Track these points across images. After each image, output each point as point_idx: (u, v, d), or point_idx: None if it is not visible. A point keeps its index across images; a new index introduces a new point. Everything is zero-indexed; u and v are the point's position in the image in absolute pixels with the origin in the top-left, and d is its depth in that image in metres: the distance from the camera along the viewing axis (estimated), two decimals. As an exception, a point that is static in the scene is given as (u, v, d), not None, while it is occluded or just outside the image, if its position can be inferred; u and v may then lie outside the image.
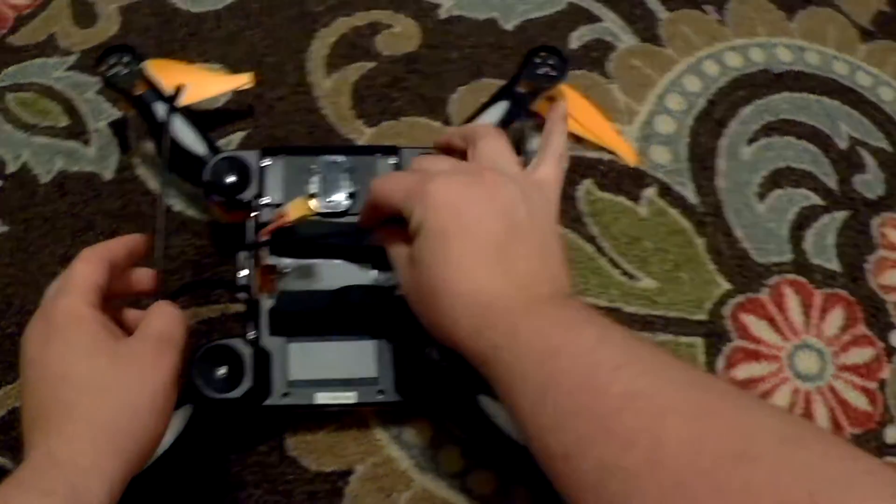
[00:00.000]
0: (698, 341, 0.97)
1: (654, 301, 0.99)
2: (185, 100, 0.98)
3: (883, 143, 1.15)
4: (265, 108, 1.09)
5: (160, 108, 0.93)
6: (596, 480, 0.52)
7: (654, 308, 0.99)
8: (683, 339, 0.97)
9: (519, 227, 0.68)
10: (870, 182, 1.11)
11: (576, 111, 1.05)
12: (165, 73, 0.99)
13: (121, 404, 0.60)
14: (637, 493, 0.50)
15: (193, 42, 1.15)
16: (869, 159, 1.13)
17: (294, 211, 0.79)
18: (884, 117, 1.18)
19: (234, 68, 1.12)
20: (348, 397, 0.84)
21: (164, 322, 0.68)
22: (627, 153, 1.07)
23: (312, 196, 0.88)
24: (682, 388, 0.54)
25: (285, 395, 0.83)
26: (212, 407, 0.80)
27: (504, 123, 0.97)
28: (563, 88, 1.03)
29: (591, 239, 1.02)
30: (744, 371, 0.96)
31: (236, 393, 0.78)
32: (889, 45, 1.27)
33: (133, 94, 0.95)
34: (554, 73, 0.99)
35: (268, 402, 0.83)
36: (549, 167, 0.78)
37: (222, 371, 0.80)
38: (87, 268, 0.68)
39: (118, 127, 1.06)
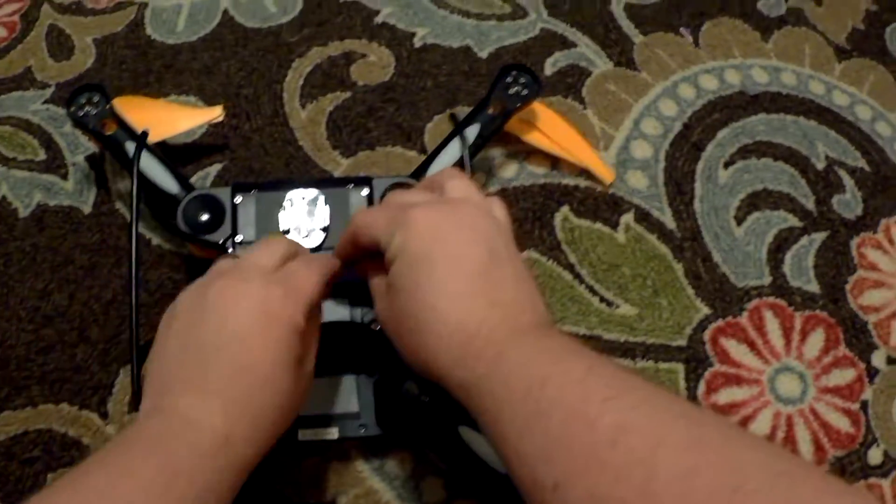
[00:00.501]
0: (678, 367, 0.97)
1: (633, 328, 0.99)
2: (155, 136, 0.98)
3: (860, 163, 1.15)
4: (241, 140, 1.09)
5: (130, 148, 0.93)
6: None
7: (634, 335, 0.98)
8: (663, 365, 0.97)
9: (499, 255, 0.67)
10: (848, 202, 1.11)
11: (550, 129, 1.06)
12: (135, 111, 0.99)
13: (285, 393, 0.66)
14: None
15: (169, 74, 1.15)
16: (847, 179, 1.13)
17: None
18: (861, 136, 1.18)
19: (210, 100, 1.12)
20: (331, 433, 0.83)
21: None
22: (603, 171, 1.07)
23: (286, 233, 0.88)
24: (675, 420, 0.52)
25: None
26: None
27: (476, 147, 0.97)
28: (537, 106, 1.04)
29: (569, 266, 1.02)
30: (725, 396, 0.96)
31: None
32: (865, 62, 1.27)
33: (103, 133, 0.96)
34: (525, 93, 0.99)
35: None
36: (499, 205, 0.77)
37: None
38: (318, 286, 0.71)
39: (96, 161, 1.06)
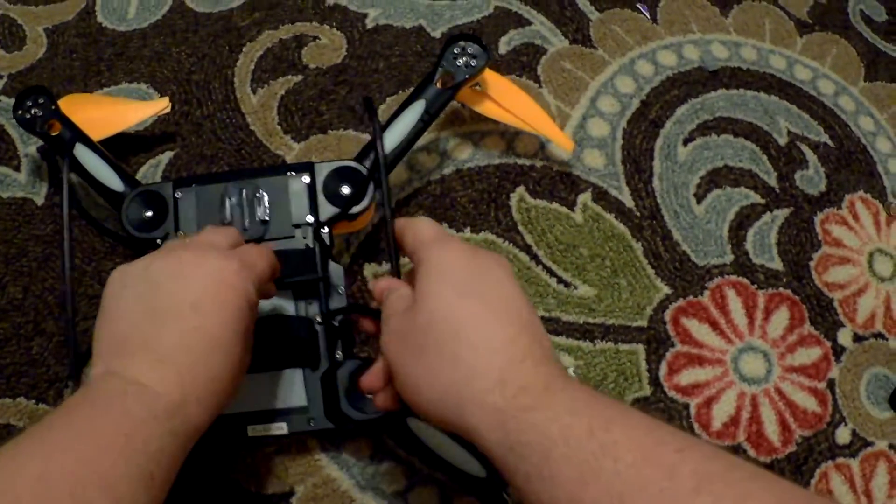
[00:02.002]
0: (639, 348, 0.96)
1: (592, 309, 0.98)
2: (104, 133, 0.98)
3: (823, 137, 1.14)
4: (193, 126, 1.07)
5: (77, 148, 0.93)
6: None
7: (593, 316, 0.97)
8: (624, 346, 0.96)
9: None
10: (811, 178, 1.10)
11: (506, 100, 1.02)
12: (81, 109, 0.98)
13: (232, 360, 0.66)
14: None
15: (120, 62, 1.13)
16: (809, 154, 1.12)
17: None
18: (823, 111, 1.18)
19: (162, 87, 1.10)
20: (280, 428, 0.82)
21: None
22: (563, 141, 1.04)
23: (227, 225, 0.86)
24: (754, 478, 0.49)
25: (216, 428, 0.81)
26: None
27: (424, 123, 0.95)
28: (491, 76, 1.02)
29: (526, 248, 1.01)
30: (687, 377, 0.95)
31: None
32: (827, 36, 1.27)
33: (50, 134, 0.95)
34: (474, 63, 0.96)
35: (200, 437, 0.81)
36: None
37: None
38: (269, 267, 0.72)
39: (47, 153, 1.04)
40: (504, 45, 1.18)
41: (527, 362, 0.58)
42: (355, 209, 0.88)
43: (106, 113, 1.02)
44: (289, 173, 0.89)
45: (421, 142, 0.99)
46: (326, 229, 0.87)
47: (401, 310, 0.65)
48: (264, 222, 0.86)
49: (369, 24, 1.18)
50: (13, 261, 0.97)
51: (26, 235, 0.99)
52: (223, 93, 1.10)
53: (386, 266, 0.98)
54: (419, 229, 0.70)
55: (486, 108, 1.02)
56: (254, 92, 1.10)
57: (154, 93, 1.10)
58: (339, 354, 0.84)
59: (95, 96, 1.08)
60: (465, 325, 0.60)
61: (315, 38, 1.16)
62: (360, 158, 0.92)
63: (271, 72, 1.13)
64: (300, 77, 1.12)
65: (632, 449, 0.51)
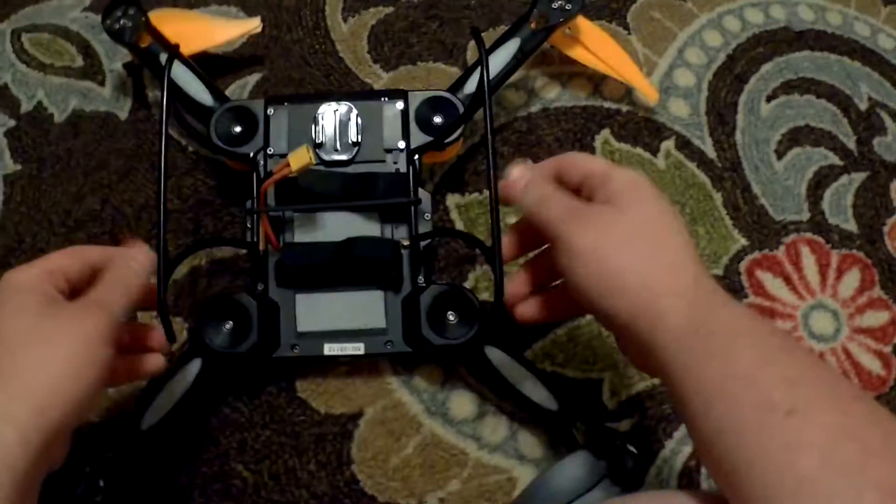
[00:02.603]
0: (713, 296, 0.96)
1: (669, 254, 0.98)
2: (191, 49, 0.98)
3: (903, 106, 1.14)
4: (281, 51, 1.08)
5: (164, 60, 0.93)
6: None
7: (670, 261, 0.97)
8: (698, 293, 0.96)
9: None
10: (890, 144, 1.10)
11: (595, 46, 1.04)
12: (170, 24, 0.98)
13: (37, 359, 0.58)
14: None
15: (210, -16, 1.14)
16: (889, 122, 1.12)
17: (294, 162, 0.78)
18: (905, 81, 1.17)
19: (251, 11, 1.11)
20: (357, 348, 0.83)
21: (107, 289, 0.66)
22: (648, 90, 1.05)
23: (319, 146, 0.87)
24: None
25: (293, 346, 0.83)
26: (220, 361, 0.80)
27: (517, 61, 0.96)
28: (582, 22, 1.03)
29: (607, 189, 1.01)
30: (758, 328, 0.95)
31: (243, 347, 0.78)
32: (911, 7, 1.26)
33: (138, 46, 0.95)
34: (568, 7, 0.97)
35: (276, 353, 0.83)
36: None
37: (228, 325, 0.79)
38: (58, 254, 0.67)
39: (133, 69, 1.05)
40: (596, -12, 1.18)
41: (710, 277, 0.62)
42: (447, 139, 0.88)
43: (195, 28, 1.03)
44: (383, 99, 0.90)
45: (509, 79, 0.99)
46: (417, 156, 0.87)
47: (595, 203, 0.66)
48: (355, 144, 0.87)
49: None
50: (93, 172, 0.99)
51: (108, 149, 1.01)
52: (314, 20, 1.11)
53: (469, 196, 0.99)
54: (588, 159, 0.72)
55: (576, 53, 1.03)
56: (344, 20, 1.11)
57: (244, 16, 1.11)
58: (421, 280, 0.84)
59: (185, 11, 1.09)
60: (671, 230, 0.63)
61: (409, -30, 1.16)
62: (453, 90, 0.92)
63: (363, 1, 1.13)
64: (391, 9, 1.13)
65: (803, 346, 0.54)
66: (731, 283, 0.98)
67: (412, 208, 0.86)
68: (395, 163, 0.87)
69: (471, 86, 0.92)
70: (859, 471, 0.47)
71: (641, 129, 1.06)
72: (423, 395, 0.89)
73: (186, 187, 0.98)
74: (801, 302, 0.98)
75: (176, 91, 0.92)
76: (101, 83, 1.05)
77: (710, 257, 0.99)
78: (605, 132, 1.05)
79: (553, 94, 1.07)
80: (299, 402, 0.88)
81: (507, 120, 1.05)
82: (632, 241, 0.62)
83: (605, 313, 0.62)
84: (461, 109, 0.89)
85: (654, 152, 1.05)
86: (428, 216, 0.88)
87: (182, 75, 0.93)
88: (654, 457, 0.88)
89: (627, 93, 1.09)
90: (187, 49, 0.96)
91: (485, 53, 0.79)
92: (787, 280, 0.99)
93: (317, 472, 0.86)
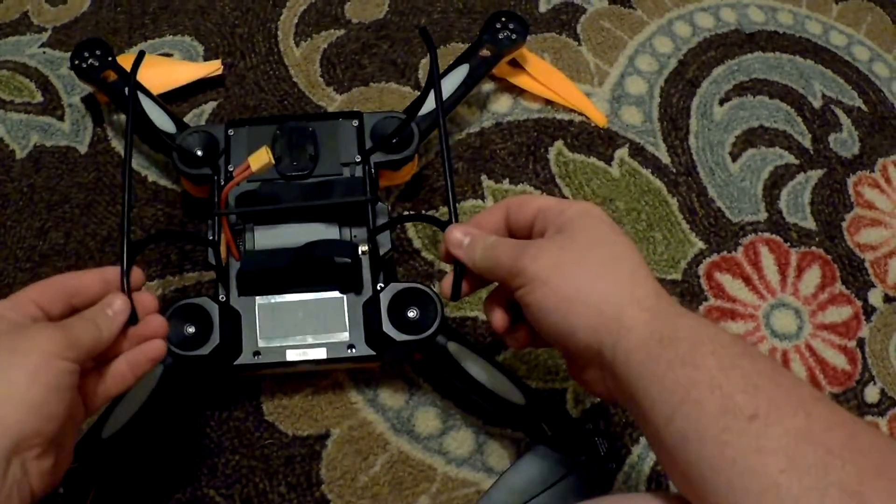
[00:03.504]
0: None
1: (627, 261, 0.99)
2: (156, 90, 1.01)
3: (858, 102, 1.15)
4: (236, 78, 1.09)
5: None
6: None
7: (628, 268, 0.98)
8: (658, 298, 0.97)
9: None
10: (845, 141, 1.11)
11: (541, 75, 1.07)
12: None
13: None
14: None
15: (164, 15, 1.15)
16: (844, 118, 1.13)
17: (254, 161, 0.79)
18: (858, 76, 1.19)
19: (206, 39, 1.12)
20: (318, 353, 0.83)
21: (77, 319, 0.65)
22: (595, 115, 1.08)
23: (278, 161, 0.88)
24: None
25: (256, 353, 0.83)
26: (181, 364, 0.80)
27: (466, 87, 0.99)
28: (525, 53, 1.06)
29: (563, 200, 1.02)
30: (719, 329, 0.96)
31: (204, 350, 0.78)
32: (862, 4, 1.27)
33: (106, 82, 0.98)
34: (514, 37, 1.02)
35: (239, 361, 0.83)
36: None
37: (191, 329, 0.80)
38: (31, 286, 0.66)
39: (91, 101, 1.06)
40: (544, 4, 1.19)
41: (666, 293, 0.63)
42: (400, 154, 0.90)
43: (159, 72, 1.06)
44: (339, 119, 0.92)
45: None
46: (373, 169, 0.89)
47: (542, 236, 0.68)
48: (313, 158, 0.89)
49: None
50: (56, 207, 1.00)
51: (69, 183, 1.02)
52: (266, 46, 1.12)
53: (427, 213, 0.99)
54: (539, 196, 0.73)
55: (525, 83, 1.07)
56: (297, 45, 1.12)
57: (198, 45, 1.12)
58: (381, 285, 0.85)
59: (149, 56, 1.10)
60: (625, 248, 0.64)
61: (359, -8, 1.18)
62: (410, 111, 0.94)
63: (314, 25, 1.14)
64: (343, 31, 1.14)
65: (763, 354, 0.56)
66: (691, 287, 0.98)
67: (369, 207, 0.87)
68: (352, 174, 0.89)
69: (427, 107, 0.93)
70: (823, 473, 0.47)
71: (594, 138, 1.07)
72: (389, 412, 0.90)
73: (147, 218, 0.99)
74: (761, 302, 0.99)
75: (140, 119, 0.93)
76: (61, 118, 1.06)
77: (669, 262, 0.99)
78: (559, 143, 1.06)
79: (505, 108, 1.08)
80: (267, 425, 0.88)
81: (461, 136, 1.06)
82: (587, 261, 0.63)
83: (567, 335, 0.63)
84: (415, 129, 0.91)
85: (609, 161, 1.05)
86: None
87: (145, 104, 0.96)
88: (622, 463, 0.89)
89: (579, 103, 1.09)
90: (153, 91, 1.00)
91: (433, 51, 0.81)
92: (747, 281, 1.00)
93: (287, 494, 0.86)
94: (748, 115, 1.12)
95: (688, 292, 0.98)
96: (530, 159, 1.04)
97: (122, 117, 1.04)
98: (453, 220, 0.74)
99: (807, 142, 1.10)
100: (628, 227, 1.01)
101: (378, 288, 0.84)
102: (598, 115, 1.08)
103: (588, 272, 0.63)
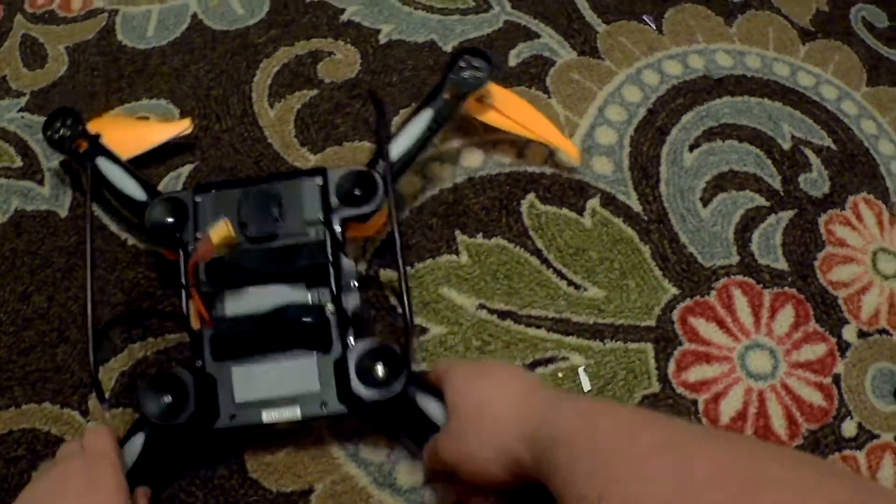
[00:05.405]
0: (648, 347, 0.98)
1: (601, 310, 1.00)
2: (129, 153, 1.03)
3: (827, 141, 1.17)
4: (212, 140, 1.11)
5: (101, 163, 0.98)
6: None
7: (602, 317, 1.00)
8: (633, 345, 0.98)
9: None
10: (815, 180, 1.13)
11: (513, 111, 1.07)
12: (108, 130, 1.03)
13: None
14: None
15: (140, 79, 1.17)
16: (813, 158, 1.15)
17: (215, 235, 0.80)
18: (827, 115, 1.20)
19: (181, 102, 1.14)
20: (293, 413, 0.84)
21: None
22: (570, 149, 1.08)
23: (243, 226, 0.89)
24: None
25: (232, 416, 0.84)
26: (161, 433, 0.82)
27: (431, 131, 1.00)
28: (497, 90, 1.06)
29: (536, 252, 1.03)
30: (695, 374, 0.98)
31: (181, 418, 0.80)
32: (830, 43, 1.29)
33: (78, 152, 1.00)
34: (479, 75, 1.01)
35: (217, 425, 0.84)
36: None
37: (167, 399, 0.81)
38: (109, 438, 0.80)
39: (70, 166, 1.08)
40: (514, 58, 1.20)
41: (534, 398, 0.75)
42: (365, 209, 0.92)
43: (131, 134, 1.07)
44: (303, 177, 0.93)
45: (434, 152, 1.03)
46: (339, 228, 0.90)
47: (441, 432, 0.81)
48: (277, 220, 0.90)
49: (382, 39, 1.21)
50: (38, 271, 1.01)
51: (50, 247, 1.03)
52: (241, 107, 1.14)
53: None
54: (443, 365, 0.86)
55: (495, 120, 1.06)
56: (271, 106, 1.14)
57: (174, 108, 1.14)
58: (351, 341, 0.86)
59: (120, 118, 1.12)
60: (482, 400, 0.77)
61: (330, 53, 1.19)
62: (371, 164, 0.95)
63: (288, 86, 1.16)
64: (316, 91, 1.15)
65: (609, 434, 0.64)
66: (665, 332, 0.99)
67: (331, 270, 0.88)
68: (318, 235, 0.90)
69: (393, 154, 0.95)
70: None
71: (566, 189, 1.08)
72: (370, 467, 0.90)
73: (128, 280, 1.00)
74: (736, 343, 0.99)
75: (111, 188, 0.96)
76: (41, 182, 1.08)
77: (643, 309, 1.00)
78: (531, 196, 1.07)
79: (477, 163, 1.09)
80: (251, 483, 0.89)
81: (434, 191, 1.07)
82: (466, 435, 0.77)
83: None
84: (378, 181, 0.92)
85: (581, 211, 1.06)
86: (354, 284, 0.90)
87: (115, 173, 0.98)
88: None
89: (550, 155, 1.11)
90: (125, 154, 1.01)
91: (384, 113, 0.84)
92: (721, 324, 1.01)
93: (273, 551, 0.87)
94: (718, 159, 1.13)
95: (662, 338, 0.99)
96: (503, 213, 1.05)
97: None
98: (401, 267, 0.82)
99: (777, 183, 1.11)
100: (601, 276, 1.02)
101: (349, 344, 0.86)
102: (570, 146, 1.08)
103: (472, 443, 0.76)
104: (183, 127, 1.08)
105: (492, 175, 1.09)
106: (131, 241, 1.03)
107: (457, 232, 1.04)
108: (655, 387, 0.96)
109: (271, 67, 1.17)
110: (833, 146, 1.16)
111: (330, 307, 0.87)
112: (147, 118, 1.13)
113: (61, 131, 1.00)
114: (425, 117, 0.99)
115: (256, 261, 0.88)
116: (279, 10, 1.24)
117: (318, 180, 0.93)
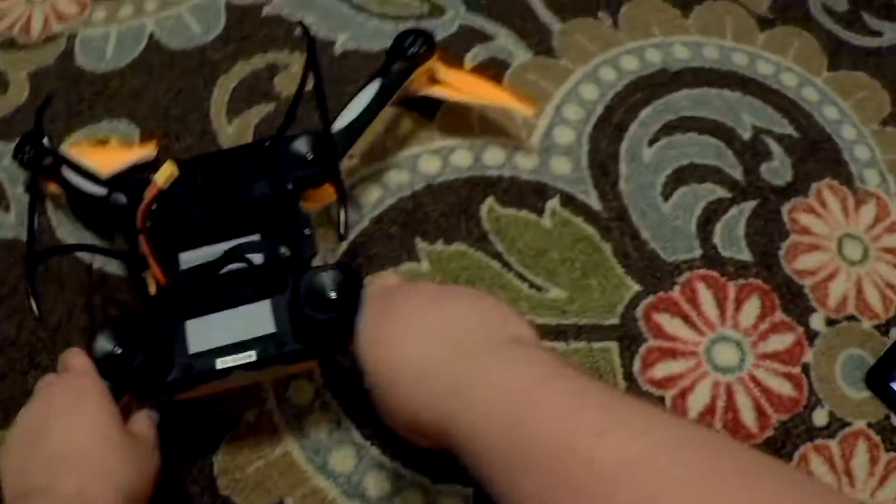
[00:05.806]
0: (612, 345, 0.99)
1: (564, 311, 1.00)
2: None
3: (788, 129, 1.17)
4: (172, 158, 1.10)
5: (68, 173, 0.99)
6: None
7: (565, 317, 1.00)
8: (597, 344, 0.99)
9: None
10: (777, 169, 1.13)
11: (456, 81, 1.09)
12: (78, 154, 1.04)
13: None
14: None
15: (100, 101, 1.17)
16: (774, 146, 1.15)
17: (160, 176, 0.81)
18: (788, 103, 1.20)
19: (141, 122, 1.15)
20: (249, 356, 0.82)
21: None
22: (520, 105, 1.09)
23: (198, 191, 0.90)
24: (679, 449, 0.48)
25: (186, 367, 0.83)
26: (112, 379, 0.80)
27: (381, 100, 1.01)
28: (439, 65, 1.08)
29: (497, 255, 1.04)
30: (661, 370, 0.98)
31: (135, 363, 0.78)
32: (789, 30, 1.29)
33: (46, 167, 1.01)
34: (423, 49, 1.04)
35: (171, 376, 0.82)
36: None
37: (118, 350, 0.79)
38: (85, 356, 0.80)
39: (36, 192, 1.08)
40: (470, 61, 1.21)
41: (459, 354, 0.61)
42: (319, 167, 0.93)
43: (96, 159, 1.06)
44: (254, 145, 0.97)
45: (392, 159, 1.04)
46: (291, 186, 0.91)
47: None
48: (231, 181, 0.91)
49: (338, 49, 1.22)
50: (6, 300, 1.02)
51: (17, 274, 1.04)
52: (200, 125, 1.14)
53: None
54: (381, 277, 0.78)
55: (446, 92, 1.09)
56: (229, 122, 1.14)
57: (134, 128, 1.14)
58: None
59: (85, 146, 1.12)
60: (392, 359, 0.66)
61: (286, 66, 1.20)
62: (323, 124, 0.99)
63: (245, 102, 1.17)
64: (273, 105, 1.16)
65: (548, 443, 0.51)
66: (629, 330, 1.00)
67: (285, 218, 0.90)
68: (271, 189, 0.91)
69: (346, 120, 1.00)
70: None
71: (525, 191, 1.09)
72: (339, 478, 0.91)
73: (95, 304, 1.01)
74: (701, 337, 1.00)
75: (71, 191, 0.99)
76: (7, 209, 1.09)
77: (606, 307, 1.01)
78: (490, 200, 1.08)
79: (435, 170, 1.09)
80: (223, 500, 0.90)
81: (393, 200, 1.08)
82: (393, 387, 0.65)
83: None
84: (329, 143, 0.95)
85: (540, 213, 1.07)
86: (308, 231, 0.90)
87: (74, 178, 0.99)
88: None
89: (508, 158, 1.12)
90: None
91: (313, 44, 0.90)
92: (686, 318, 1.01)
93: (246, 567, 0.87)
94: (677, 153, 1.13)
95: (627, 336, 0.99)
96: (462, 218, 1.06)
97: (67, 209, 1.08)
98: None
99: (738, 174, 1.12)
100: (563, 276, 1.03)
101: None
102: (524, 104, 1.09)
103: (399, 399, 0.64)
104: (146, 151, 1.09)
105: (450, 181, 1.09)
106: (97, 264, 1.03)
107: (417, 239, 1.04)
108: (621, 385, 0.96)
109: (228, 83, 1.18)
110: (795, 134, 1.16)
111: (283, 249, 0.86)
112: (107, 140, 1.13)
113: (30, 152, 1.01)
114: (374, 86, 1.02)
115: (211, 217, 0.89)
116: (235, 25, 1.25)
117: (267, 143, 0.94)
